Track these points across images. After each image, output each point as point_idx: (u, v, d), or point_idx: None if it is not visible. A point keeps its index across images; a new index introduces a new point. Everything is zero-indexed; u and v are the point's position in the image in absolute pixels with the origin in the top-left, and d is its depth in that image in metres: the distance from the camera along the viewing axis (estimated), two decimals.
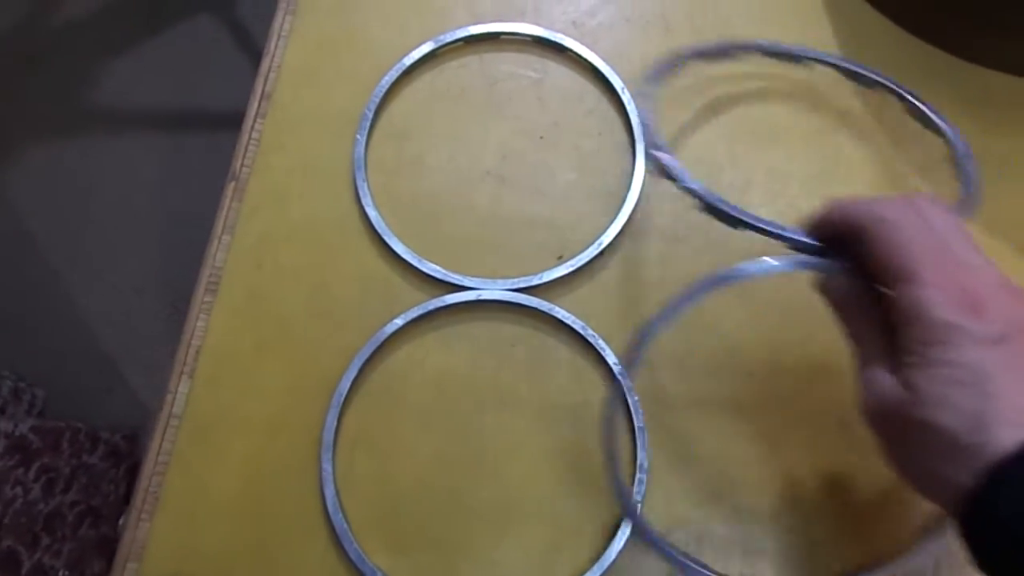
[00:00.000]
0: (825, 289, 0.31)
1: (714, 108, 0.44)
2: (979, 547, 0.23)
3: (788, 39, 0.43)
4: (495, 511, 0.38)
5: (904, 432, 0.25)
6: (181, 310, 1.25)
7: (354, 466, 0.38)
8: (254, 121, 0.44)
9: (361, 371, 0.39)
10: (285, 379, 0.40)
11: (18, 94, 1.49)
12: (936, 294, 0.25)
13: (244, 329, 0.40)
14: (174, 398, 0.39)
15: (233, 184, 0.43)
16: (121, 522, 1.07)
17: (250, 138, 0.44)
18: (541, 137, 0.44)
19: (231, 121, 1.43)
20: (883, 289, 0.27)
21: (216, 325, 0.40)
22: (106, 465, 1.00)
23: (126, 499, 1.08)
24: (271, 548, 0.37)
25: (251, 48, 1.49)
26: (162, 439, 0.39)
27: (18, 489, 0.81)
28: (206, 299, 0.41)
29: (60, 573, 0.89)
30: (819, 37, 0.46)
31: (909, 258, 0.26)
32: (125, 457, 1.07)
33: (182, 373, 0.40)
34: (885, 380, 0.26)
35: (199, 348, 0.40)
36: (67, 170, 1.43)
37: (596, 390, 0.39)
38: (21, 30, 1.54)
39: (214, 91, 1.46)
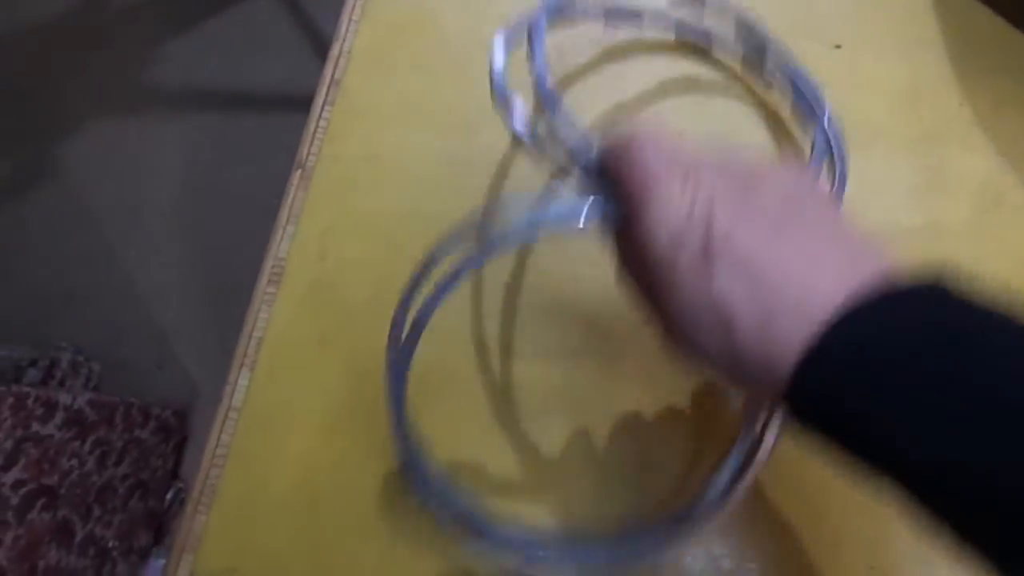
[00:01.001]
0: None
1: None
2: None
3: (892, 37, 0.40)
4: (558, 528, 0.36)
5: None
6: (229, 289, 1.28)
7: None
8: (322, 108, 0.43)
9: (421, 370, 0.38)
10: (346, 375, 0.39)
11: (83, 70, 1.52)
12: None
13: (306, 322, 0.39)
14: (233, 390, 0.39)
15: (299, 172, 0.42)
16: (168, 496, 1.09)
17: (317, 125, 0.43)
18: None
19: (287, 102, 1.44)
20: None
21: (278, 317, 0.40)
22: (156, 440, 1.02)
23: (174, 474, 1.10)
24: (328, 548, 0.36)
25: (309, 28, 1.50)
26: (220, 431, 0.38)
27: (74, 461, 0.83)
28: (268, 290, 0.40)
29: (110, 543, 0.91)
30: (925, 36, 0.43)
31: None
32: (174, 432, 1.09)
33: (242, 365, 0.39)
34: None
35: (260, 339, 0.39)
36: (127, 146, 1.45)
37: None
38: (89, 6, 1.57)
39: (271, 71, 1.47)
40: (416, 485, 0.33)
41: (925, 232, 0.39)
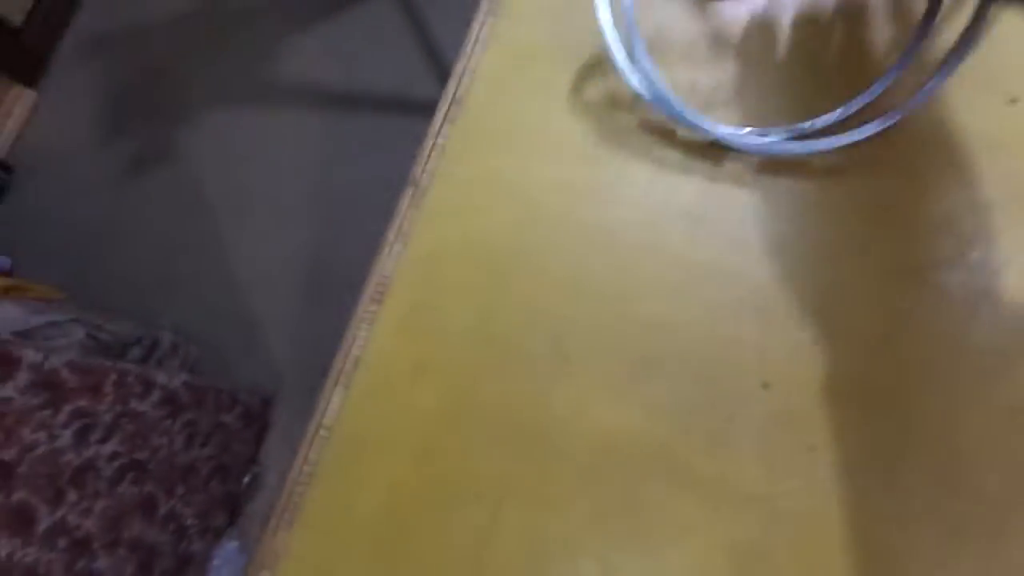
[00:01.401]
0: None
1: (972, 164, 0.37)
2: None
3: None
4: None
5: None
6: (324, 287, 1.30)
7: (500, 514, 0.35)
8: (440, 126, 0.42)
9: (519, 411, 0.36)
10: (440, 405, 0.37)
11: (207, 63, 1.60)
12: None
13: (405, 345, 0.38)
14: (326, 407, 0.38)
15: (412, 191, 0.41)
16: (245, 480, 1.12)
17: (435, 143, 0.42)
18: None
19: (399, 105, 1.47)
20: None
21: (377, 337, 0.39)
22: (240, 425, 1.05)
23: (253, 459, 1.13)
24: None
25: (423, 31, 1.52)
26: (309, 448, 0.37)
27: (165, 439, 0.86)
28: (370, 308, 0.39)
29: (188, 521, 0.94)
30: None
31: None
32: (257, 419, 1.12)
33: (337, 383, 0.38)
34: None
35: (358, 358, 0.38)
36: (242, 139, 1.52)
37: None
38: (214, 5, 1.66)
39: (384, 73, 1.50)
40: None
41: None
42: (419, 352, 0.38)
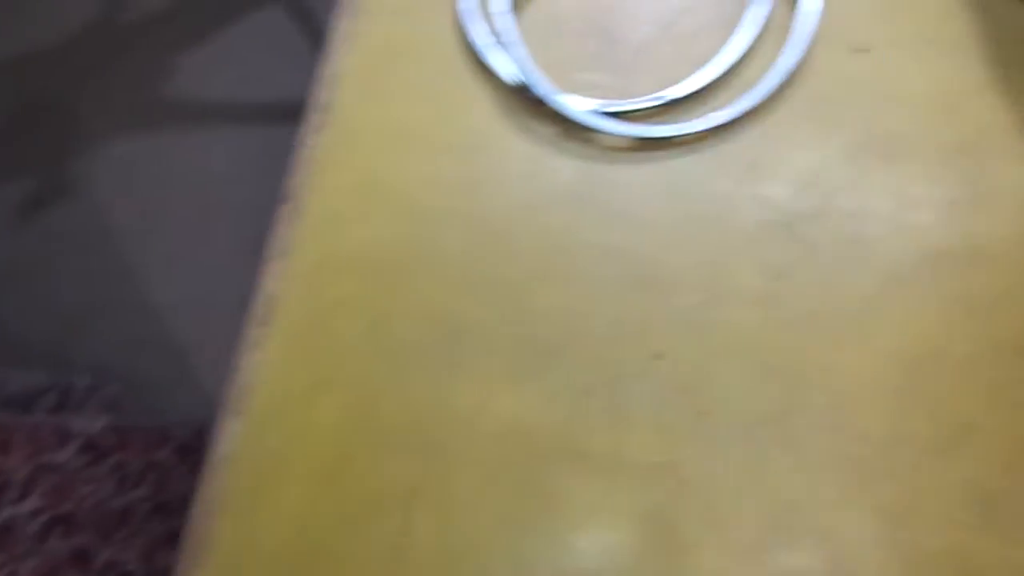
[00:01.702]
0: None
1: (827, 117, 0.39)
2: None
3: (923, 39, 0.37)
4: None
5: None
6: (246, 305, 1.27)
7: (413, 523, 0.35)
8: (310, 135, 0.41)
9: (421, 415, 0.36)
10: (341, 421, 0.36)
11: (98, 86, 1.53)
12: None
13: (299, 365, 0.37)
14: (224, 438, 0.37)
15: (287, 205, 0.40)
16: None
17: (306, 153, 0.41)
18: None
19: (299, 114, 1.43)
20: None
21: (269, 360, 0.38)
22: (175, 460, 1.02)
23: (194, 492, 1.09)
24: None
25: (320, 39, 1.48)
26: (210, 483, 0.36)
27: (92, 487, 0.83)
28: (258, 331, 0.38)
29: (131, 566, 0.91)
30: (959, 37, 0.39)
31: None
32: (193, 451, 1.08)
33: (232, 411, 0.37)
34: None
35: (251, 385, 0.37)
36: (144, 161, 1.46)
37: None
38: (101, 22, 1.58)
39: (282, 83, 1.46)
40: None
41: (964, 253, 0.36)
42: (314, 370, 0.37)
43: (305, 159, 0.41)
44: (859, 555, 0.33)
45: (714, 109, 0.38)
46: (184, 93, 1.50)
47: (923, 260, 0.36)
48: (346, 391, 0.37)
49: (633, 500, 0.34)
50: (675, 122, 0.38)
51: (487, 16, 0.41)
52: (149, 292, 1.35)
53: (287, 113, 1.45)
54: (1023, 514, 0.33)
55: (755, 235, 0.37)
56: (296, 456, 0.36)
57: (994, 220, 0.36)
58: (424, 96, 0.41)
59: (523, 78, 0.39)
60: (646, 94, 0.39)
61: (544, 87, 0.39)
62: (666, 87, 0.39)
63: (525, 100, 0.40)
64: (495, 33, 0.40)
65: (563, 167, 0.39)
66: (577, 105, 0.39)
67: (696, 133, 0.38)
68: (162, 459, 0.98)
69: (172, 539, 1.01)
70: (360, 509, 0.35)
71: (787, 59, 0.38)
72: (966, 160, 0.37)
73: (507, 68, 0.40)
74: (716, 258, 0.37)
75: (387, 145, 0.40)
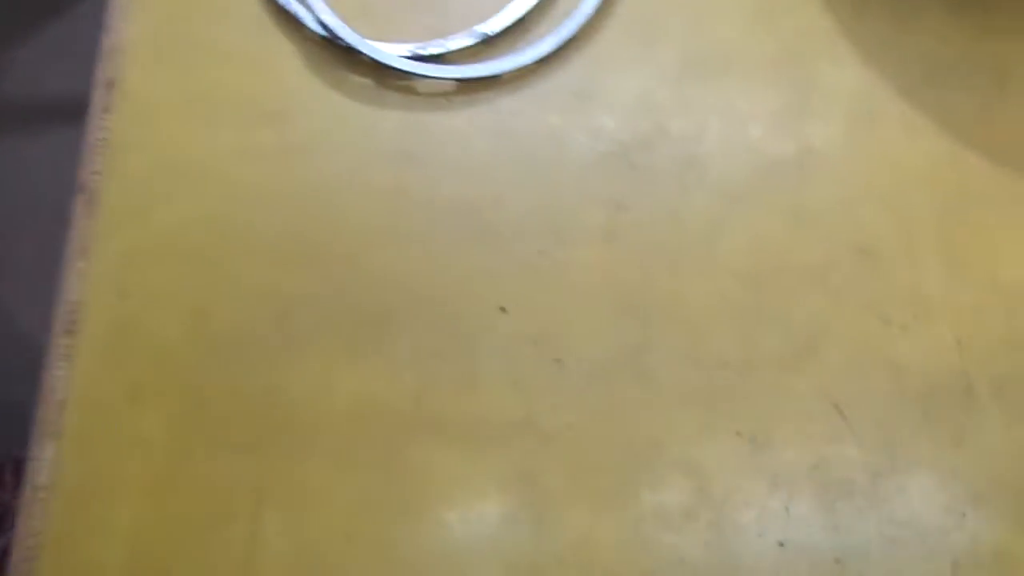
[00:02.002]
0: None
1: (650, 37, 0.37)
2: None
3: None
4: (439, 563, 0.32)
5: None
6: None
7: (261, 524, 0.32)
8: (100, 118, 0.36)
9: (256, 408, 0.33)
10: (169, 427, 0.33)
11: None
12: None
13: (114, 373, 0.34)
14: (40, 466, 0.33)
15: (83, 198, 0.35)
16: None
17: (98, 138, 0.36)
18: None
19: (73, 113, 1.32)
20: None
21: (80, 372, 0.33)
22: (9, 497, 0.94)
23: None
24: None
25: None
26: (29, 517, 0.32)
27: None
28: (64, 343, 0.34)
29: None
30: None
31: None
32: (10, 487, 1.01)
33: (46, 434, 0.33)
34: None
35: (63, 402, 0.33)
36: None
37: None
38: None
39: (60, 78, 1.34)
40: None
41: (798, 161, 0.35)
42: (132, 376, 0.33)
43: (97, 144, 0.36)
44: (724, 483, 0.32)
45: (534, 41, 0.36)
46: (14, 90, 1.37)
47: (758, 174, 0.35)
48: (171, 394, 0.33)
49: (496, 463, 0.33)
50: (496, 59, 0.36)
51: None
52: None
53: (58, 113, 1.33)
54: (876, 419, 0.33)
55: (592, 170, 0.35)
56: (123, 474, 0.33)
57: (825, 125, 0.36)
58: (224, 59, 0.37)
59: (330, 27, 0.36)
60: (461, 32, 0.36)
61: (352, 35, 0.36)
62: (482, 22, 0.36)
63: (336, 52, 0.37)
64: None
65: (383, 121, 0.36)
66: (390, 51, 0.36)
67: (519, 69, 0.36)
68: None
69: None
70: (201, 520, 0.32)
71: None
72: (792, 68, 0.36)
73: (313, 18, 0.36)
74: (554, 199, 0.35)
75: (188, 118, 0.36)
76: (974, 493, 0.32)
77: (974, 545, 0.32)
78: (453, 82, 0.36)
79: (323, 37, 0.37)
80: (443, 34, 0.36)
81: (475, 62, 0.36)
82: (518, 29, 0.37)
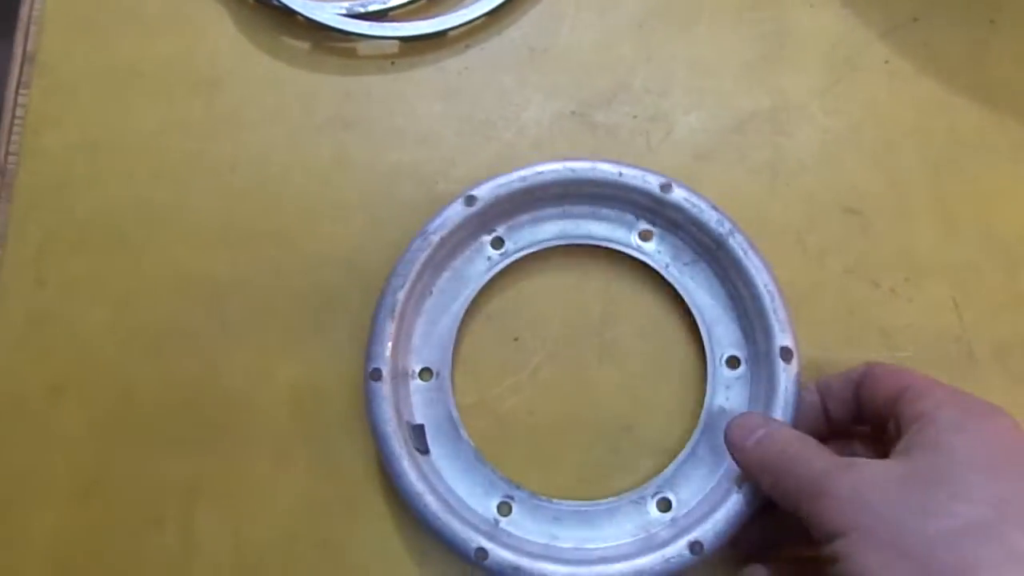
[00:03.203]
0: None
1: None
2: None
3: None
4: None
5: None
6: None
7: (195, 527, 0.29)
8: (16, 93, 0.34)
9: (188, 402, 0.30)
10: (92, 425, 0.30)
11: None
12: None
13: (31, 369, 0.31)
14: None
15: None
16: None
17: (14, 116, 0.33)
18: None
19: None
20: None
21: None
22: None
23: None
24: None
25: None
26: None
27: None
28: None
29: None
30: None
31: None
32: None
33: None
34: None
35: None
36: None
37: None
38: None
39: None
40: None
41: (774, 113, 0.32)
42: (51, 372, 0.31)
43: (13, 123, 0.33)
44: None
45: None
46: None
47: (730, 129, 0.32)
48: (93, 389, 0.31)
49: None
50: (441, 15, 0.33)
51: None
52: None
53: None
54: None
55: (549, 131, 0.33)
56: (42, 476, 0.30)
57: (802, 74, 0.33)
58: (148, 26, 0.34)
59: None
60: None
61: None
62: None
63: (269, 14, 0.34)
64: None
65: (321, 87, 0.33)
66: (328, 9, 0.33)
67: (466, 24, 0.33)
68: None
69: None
70: (130, 525, 0.29)
71: None
72: (764, 13, 0.33)
73: None
74: (509, 164, 0.32)
75: (112, 92, 0.34)
76: None
77: None
78: (396, 41, 0.33)
79: None
80: None
81: (419, 19, 0.33)
82: None
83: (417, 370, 0.30)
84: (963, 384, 0.23)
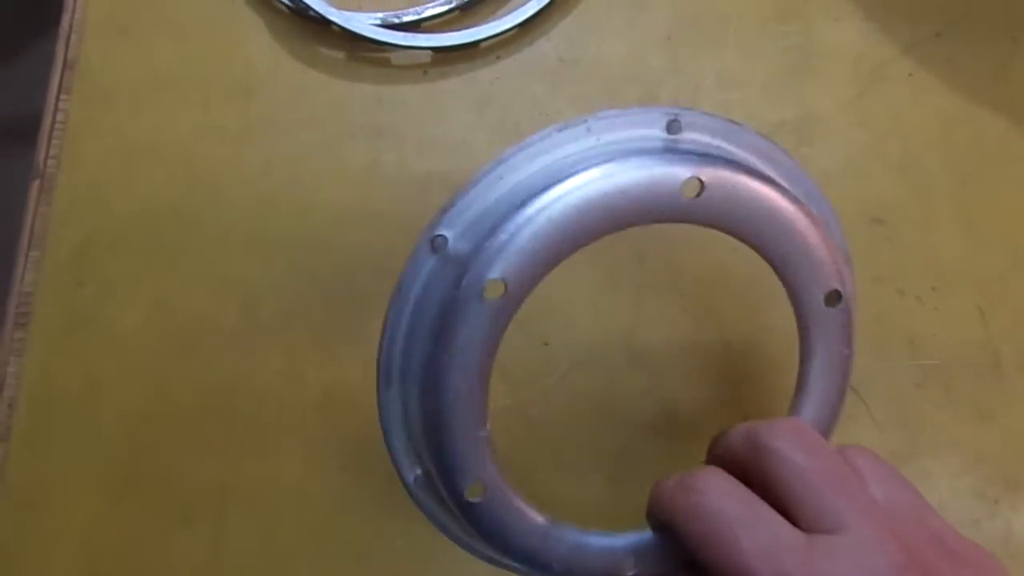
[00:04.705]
0: None
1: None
2: None
3: None
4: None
5: None
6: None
7: (226, 527, 0.29)
8: (57, 99, 0.34)
9: (221, 403, 0.30)
10: (127, 423, 0.31)
11: None
12: None
13: (69, 367, 0.31)
14: None
15: (37, 183, 0.33)
16: None
17: (54, 121, 0.34)
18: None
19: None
20: None
21: (32, 367, 0.31)
22: None
23: None
24: None
25: None
26: None
27: None
28: (16, 336, 0.32)
29: None
30: None
31: None
32: None
33: None
34: None
35: (13, 399, 0.31)
36: None
37: None
38: None
39: None
40: None
41: (800, 125, 0.33)
42: (89, 370, 0.31)
43: (53, 128, 0.34)
44: None
45: (514, 6, 0.34)
46: None
47: None
48: (130, 387, 0.31)
49: None
50: (474, 26, 0.34)
51: None
52: None
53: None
54: (895, 397, 0.30)
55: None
56: (78, 473, 0.30)
57: (827, 87, 0.33)
58: (188, 35, 0.35)
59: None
60: None
61: (322, 4, 0.34)
62: None
63: (304, 24, 0.35)
64: None
65: (355, 95, 0.34)
66: (362, 19, 0.34)
67: (498, 35, 0.34)
68: None
69: None
70: (161, 522, 0.30)
71: None
72: (789, 27, 0.34)
73: None
74: None
75: (151, 99, 0.34)
76: (1005, 477, 0.29)
77: (1009, 535, 0.29)
78: (428, 52, 0.34)
79: (290, 8, 0.35)
80: (417, 2, 0.34)
81: (452, 30, 0.34)
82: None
83: None
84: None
